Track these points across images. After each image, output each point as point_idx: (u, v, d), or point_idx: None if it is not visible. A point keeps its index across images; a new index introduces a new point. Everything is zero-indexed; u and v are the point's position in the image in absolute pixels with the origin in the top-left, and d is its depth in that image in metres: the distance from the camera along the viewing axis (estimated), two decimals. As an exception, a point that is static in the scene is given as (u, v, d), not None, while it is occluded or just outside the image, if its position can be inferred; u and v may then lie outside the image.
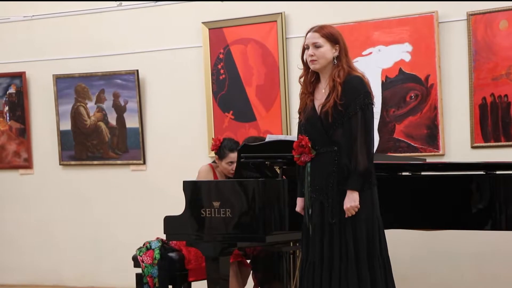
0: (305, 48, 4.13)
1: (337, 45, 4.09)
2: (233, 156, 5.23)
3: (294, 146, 4.11)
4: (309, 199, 4.09)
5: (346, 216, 3.96)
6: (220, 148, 5.31)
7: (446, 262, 6.10)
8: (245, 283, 5.45)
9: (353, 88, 4.00)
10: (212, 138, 5.41)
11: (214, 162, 5.48)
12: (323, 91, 4.09)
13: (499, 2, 5.88)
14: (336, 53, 4.08)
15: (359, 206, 3.94)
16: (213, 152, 5.47)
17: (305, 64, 4.16)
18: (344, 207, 3.95)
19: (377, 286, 3.98)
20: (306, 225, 4.12)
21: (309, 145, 4.06)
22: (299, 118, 4.21)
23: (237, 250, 5.07)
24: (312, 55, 4.07)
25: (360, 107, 3.97)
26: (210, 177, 5.32)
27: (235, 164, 5.20)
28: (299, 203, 4.22)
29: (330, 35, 4.08)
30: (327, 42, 4.07)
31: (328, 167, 4.03)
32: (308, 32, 4.14)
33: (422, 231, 5.48)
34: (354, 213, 3.94)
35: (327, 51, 4.07)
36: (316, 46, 4.07)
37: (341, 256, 3.98)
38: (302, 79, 4.19)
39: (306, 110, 4.12)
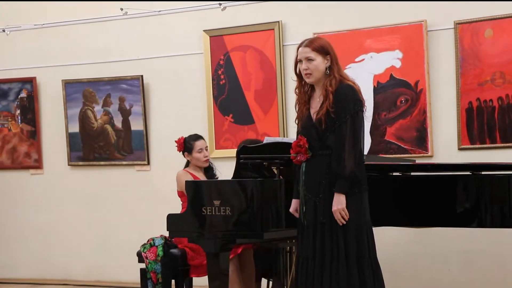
0: (297, 62, 4.14)
1: (328, 55, 4.09)
2: (199, 143, 5.42)
3: (292, 146, 4.12)
4: (304, 197, 4.11)
5: (336, 218, 3.97)
6: (185, 144, 5.45)
7: (436, 259, 6.11)
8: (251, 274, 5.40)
9: (344, 96, 4.01)
10: (175, 140, 5.50)
11: (186, 167, 5.52)
12: (318, 99, 4.11)
13: (484, 11, 5.89)
14: (328, 63, 4.09)
15: (345, 208, 3.95)
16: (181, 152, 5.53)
17: (298, 76, 4.17)
18: (332, 209, 3.97)
19: (365, 285, 3.98)
20: (301, 222, 4.13)
21: (307, 146, 4.07)
22: (297, 127, 4.22)
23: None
24: (306, 69, 4.08)
25: (350, 115, 3.98)
26: (189, 178, 5.33)
27: (205, 151, 5.40)
28: (294, 204, 4.23)
29: (321, 47, 4.09)
30: (318, 55, 4.08)
31: (322, 169, 4.05)
32: (299, 46, 4.15)
33: (412, 229, 5.50)
34: (340, 216, 3.95)
35: (320, 64, 4.07)
36: (309, 59, 4.08)
37: (332, 256, 3.99)
38: (297, 90, 4.20)
39: (303, 118, 4.14)
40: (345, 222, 3.97)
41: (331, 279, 3.97)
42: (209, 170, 5.53)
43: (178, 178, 5.39)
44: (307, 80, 4.12)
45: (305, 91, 4.17)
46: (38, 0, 7.54)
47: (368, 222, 4.06)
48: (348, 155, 3.94)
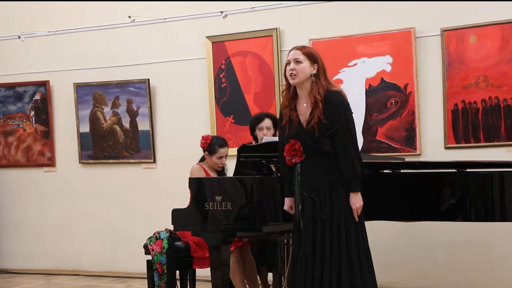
0: (287, 64, 4.12)
1: (316, 64, 4.07)
2: (223, 151, 5.25)
3: (286, 149, 4.09)
4: (300, 197, 4.09)
5: (354, 215, 3.99)
6: (210, 145, 5.26)
7: (423, 250, 6.11)
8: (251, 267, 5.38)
9: (335, 103, 4.00)
10: (202, 136, 5.36)
11: (201, 161, 5.45)
12: (305, 105, 4.07)
13: (469, 19, 5.89)
14: (314, 71, 4.06)
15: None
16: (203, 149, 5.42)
17: (287, 79, 4.14)
18: (353, 207, 3.99)
19: (363, 275, 3.99)
20: (297, 220, 4.12)
21: (302, 149, 4.06)
22: (282, 129, 4.16)
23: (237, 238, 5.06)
24: (292, 69, 4.06)
25: (345, 120, 3.98)
26: (202, 174, 5.29)
27: (223, 159, 5.24)
28: (288, 202, 4.21)
29: (310, 54, 4.08)
30: (307, 59, 4.06)
31: (319, 170, 4.04)
32: (291, 50, 4.14)
33: (402, 222, 5.49)
34: (360, 212, 4.00)
35: (306, 67, 4.05)
36: (297, 61, 4.06)
37: (332, 249, 3.98)
38: (284, 93, 4.17)
39: (293, 125, 4.09)
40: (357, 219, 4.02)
41: (332, 271, 3.96)
42: (221, 171, 5.45)
43: (193, 173, 5.32)
44: (291, 81, 4.08)
45: (290, 96, 4.13)
46: (55, 0, 7.55)
47: (362, 216, 4.07)
48: (355, 157, 3.97)
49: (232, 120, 6.83)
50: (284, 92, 4.17)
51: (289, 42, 6.49)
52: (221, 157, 5.26)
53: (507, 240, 5.76)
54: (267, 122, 5.43)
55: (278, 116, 4.31)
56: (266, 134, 5.39)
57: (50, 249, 7.74)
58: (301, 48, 4.12)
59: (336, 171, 4.01)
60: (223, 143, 5.29)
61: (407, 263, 6.17)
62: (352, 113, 4.03)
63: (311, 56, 4.07)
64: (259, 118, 5.48)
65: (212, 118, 6.89)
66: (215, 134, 6.76)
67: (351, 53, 6.29)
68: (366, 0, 6.25)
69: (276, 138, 4.94)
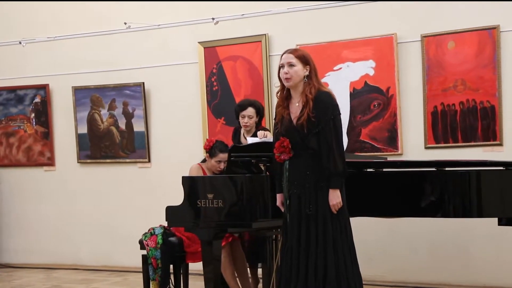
0: (280, 67, 4.12)
1: (308, 66, 4.08)
2: (222, 156, 5.15)
3: (276, 146, 4.10)
4: (287, 192, 4.08)
5: (333, 211, 3.96)
6: (212, 148, 5.20)
7: (404, 245, 6.11)
8: (242, 263, 5.35)
9: (323, 103, 4.00)
10: (206, 138, 5.32)
11: (202, 161, 5.41)
12: (297, 104, 4.09)
13: (448, 26, 5.90)
14: (307, 73, 4.07)
15: (341, 201, 3.96)
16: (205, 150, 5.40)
17: (281, 80, 4.14)
18: (330, 204, 3.97)
19: (347, 267, 3.99)
20: (285, 214, 4.11)
21: (290, 146, 4.05)
22: (275, 127, 4.19)
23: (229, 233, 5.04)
24: (286, 73, 4.07)
25: (331, 119, 3.97)
26: (200, 174, 5.26)
27: (222, 164, 5.14)
28: (279, 198, 4.21)
29: (302, 57, 4.08)
30: (299, 62, 4.07)
31: (305, 167, 4.03)
32: (284, 53, 4.14)
33: (385, 219, 5.49)
34: (338, 208, 3.96)
35: (299, 70, 4.06)
36: (290, 65, 4.06)
37: (317, 242, 3.98)
38: (278, 94, 4.19)
39: (284, 122, 4.10)
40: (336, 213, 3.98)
41: (317, 262, 3.96)
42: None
43: (191, 171, 5.28)
44: (286, 84, 4.09)
45: (284, 96, 4.14)
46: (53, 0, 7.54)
47: (345, 210, 4.06)
48: (337, 155, 3.95)
49: (223, 121, 6.82)
50: (279, 93, 4.17)
51: (277, 47, 6.49)
52: (220, 162, 5.18)
53: (485, 236, 5.77)
54: (249, 111, 5.39)
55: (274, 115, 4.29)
56: (248, 122, 5.37)
57: (49, 244, 7.71)
58: (293, 52, 4.12)
59: (322, 168, 3.99)
60: (224, 149, 5.17)
61: (389, 257, 6.17)
62: (339, 113, 4.03)
63: (303, 59, 4.08)
64: (242, 106, 5.44)
65: (204, 119, 6.87)
66: (207, 135, 6.75)
67: (336, 58, 6.28)
68: (349, 0, 6.26)
69: (266, 139, 4.93)
